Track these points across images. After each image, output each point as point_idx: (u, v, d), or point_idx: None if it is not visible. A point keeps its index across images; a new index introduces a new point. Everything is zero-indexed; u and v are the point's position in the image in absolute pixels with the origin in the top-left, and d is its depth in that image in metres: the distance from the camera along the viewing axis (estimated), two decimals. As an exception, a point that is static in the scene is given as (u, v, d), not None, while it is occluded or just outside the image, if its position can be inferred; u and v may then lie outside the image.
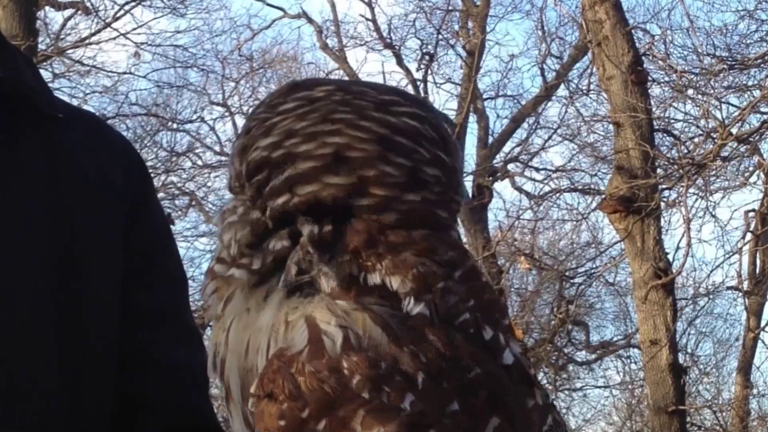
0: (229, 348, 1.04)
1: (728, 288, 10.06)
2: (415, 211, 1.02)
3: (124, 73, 12.44)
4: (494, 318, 1.03)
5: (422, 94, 12.92)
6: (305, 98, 1.06)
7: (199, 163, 14.10)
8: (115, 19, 11.74)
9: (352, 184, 1.02)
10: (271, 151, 1.04)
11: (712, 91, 8.35)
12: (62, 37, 11.89)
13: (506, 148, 13.63)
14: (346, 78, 12.74)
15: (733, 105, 8.54)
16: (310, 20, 14.22)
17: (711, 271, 12.17)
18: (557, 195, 11.93)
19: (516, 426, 0.97)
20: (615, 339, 14.50)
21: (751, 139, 8.26)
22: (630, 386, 14.51)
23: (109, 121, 10.60)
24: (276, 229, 1.04)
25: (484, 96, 13.72)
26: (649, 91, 8.43)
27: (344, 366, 0.94)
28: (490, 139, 13.42)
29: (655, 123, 8.48)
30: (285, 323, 1.00)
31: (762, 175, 9.22)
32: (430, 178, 1.05)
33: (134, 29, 12.03)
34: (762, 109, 8.64)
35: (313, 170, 1.02)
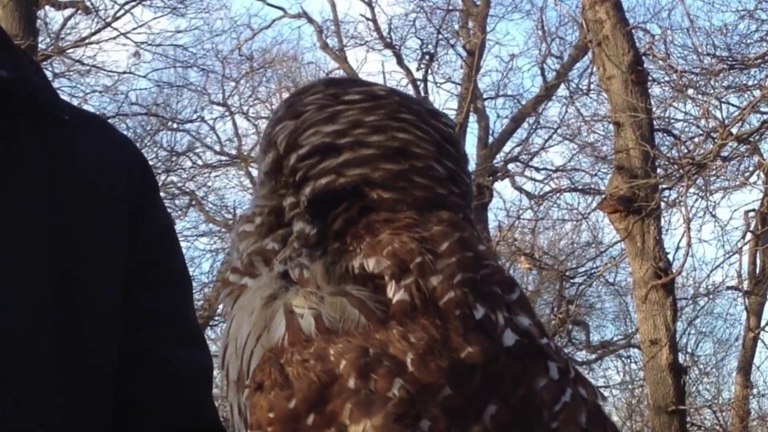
0: (230, 335, 1.06)
1: (728, 288, 10.05)
2: (423, 197, 1.06)
3: (125, 72, 12.46)
4: (490, 293, 1.01)
5: (422, 94, 12.92)
6: (367, 93, 1.11)
7: (199, 162, 14.12)
8: (115, 18, 11.75)
9: (402, 171, 1.07)
10: (336, 137, 1.07)
11: (712, 91, 8.34)
12: (62, 36, 11.90)
13: (506, 148, 13.66)
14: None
15: (733, 105, 8.54)
16: (311, 20, 14.23)
17: (711, 271, 12.08)
18: (557, 195, 11.93)
19: (515, 412, 0.95)
20: (615, 339, 14.52)
21: (751, 139, 8.26)
22: (630, 386, 14.52)
23: (109, 121, 10.58)
24: (303, 215, 1.07)
25: (485, 96, 13.74)
26: (650, 90, 8.43)
27: (330, 353, 0.95)
28: (491, 139, 13.43)
29: (655, 123, 8.48)
30: (263, 301, 1.03)
31: (762, 175, 9.22)
32: (464, 177, 1.12)
33: (134, 29, 12.03)
34: (762, 109, 8.64)
35: (372, 157, 1.07)
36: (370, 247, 1.01)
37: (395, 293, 0.98)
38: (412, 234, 1.01)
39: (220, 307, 1.12)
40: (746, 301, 10.04)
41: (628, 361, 14.36)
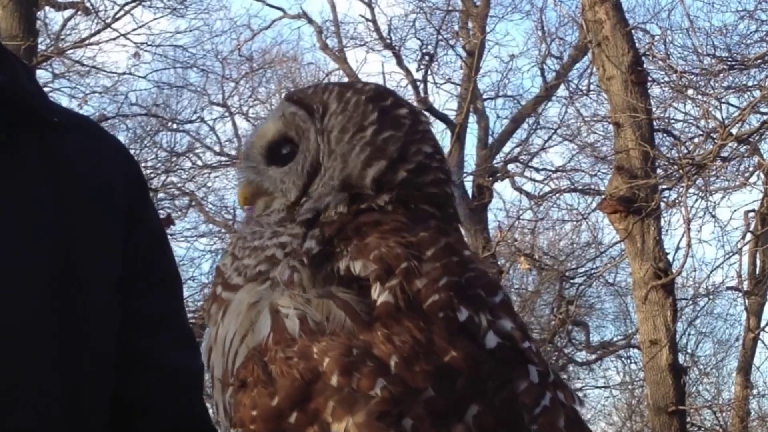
0: (218, 338, 1.06)
1: (728, 288, 10.05)
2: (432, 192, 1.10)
3: (124, 73, 12.44)
4: (474, 296, 1.02)
5: (422, 95, 12.92)
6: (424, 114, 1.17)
7: (199, 163, 14.10)
8: (115, 19, 11.73)
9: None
10: (430, 160, 1.11)
11: (712, 92, 8.34)
12: (62, 37, 11.89)
13: (506, 149, 13.65)
14: (346, 79, 12.75)
15: (733, 105, 8.53)
16: (310, 20, 14.22)
17: (711, 272, 12.12)
18: (557, 195, 11.92)
19: (497, 414, 0.96)
20: (615, 339, 14.51)
21: (751, 139, 8.26)
22: (630, 386, 14.52)
23: (109, 122, 10.60)
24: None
25: (484, 96, 13.73)
26: (649, 91, 8.43)
27: (314, 351, 0.96)
28: (490, 140, 13.42)
29: (655, 123, 8.48)
30: (249, 304, 1.03)
31: (762, 176, 9.22)
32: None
33: (134, 30, 12.01)
34: (762, 110, 8.64)
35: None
36: (357, 250, 1.02)
37: (380, 295, 0.99)
38: (398, 239, 1.02)
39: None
40: (746, 301, 10.04)
41: (628, 361, 14.37)
